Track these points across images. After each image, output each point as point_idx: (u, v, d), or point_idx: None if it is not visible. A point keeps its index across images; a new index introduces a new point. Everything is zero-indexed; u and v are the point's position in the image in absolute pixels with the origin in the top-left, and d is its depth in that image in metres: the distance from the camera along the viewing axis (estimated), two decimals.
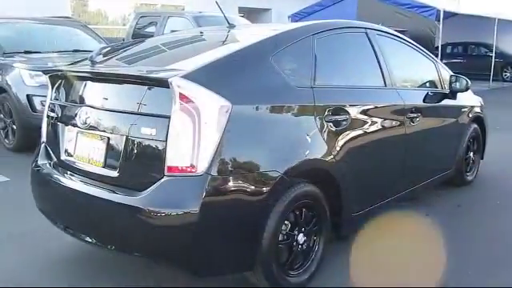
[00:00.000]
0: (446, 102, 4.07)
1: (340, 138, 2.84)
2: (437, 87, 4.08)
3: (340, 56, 3.15)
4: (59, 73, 2.92)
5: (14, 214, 3.98)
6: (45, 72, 2.99)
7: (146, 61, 2.96)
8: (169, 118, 2.22)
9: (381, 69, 3.35)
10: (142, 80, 2.37)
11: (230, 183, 2.26)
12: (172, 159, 2.22)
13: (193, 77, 2.25)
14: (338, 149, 2.80)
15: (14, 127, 6.03)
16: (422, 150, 3.74)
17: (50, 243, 3.26)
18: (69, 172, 2.72)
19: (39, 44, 6.98)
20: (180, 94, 2.20)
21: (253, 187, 2.33)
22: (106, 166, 2.50)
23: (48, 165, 2.89)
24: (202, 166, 2.19)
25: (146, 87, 2.36)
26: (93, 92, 2.67)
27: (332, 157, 2.76)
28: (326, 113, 2.77)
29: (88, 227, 2.59)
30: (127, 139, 2.38)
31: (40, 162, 2.94)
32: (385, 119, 3.25)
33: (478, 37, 17.40)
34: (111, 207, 2.37)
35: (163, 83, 2.24)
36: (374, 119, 3.14)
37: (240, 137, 2.32)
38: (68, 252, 3.16)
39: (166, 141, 2.23)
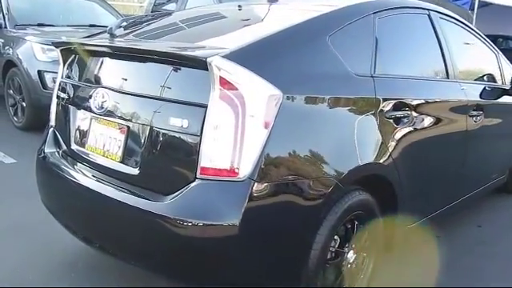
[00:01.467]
0: (505, 99, 3.59)
1: (400, 137, 2.39)
2: (496, 82, 3.59)
3: (401, 40, 2.67)
4: (72, 46, 2.49)
5: (19, 201, 3.60)
6: (56, 45, 2.56)
7: (175, 36, 2.49)
8: (205, 107, 1.79)
9: (443, 57, 2.88)
10: (173, 58, 1.93)
11: (277, 192, 1.82)
12: (207, 159, 1.79)
13: (237, 57, 1.80)
14: (396, 150, 2.35)
15: (24, 105, 5.64)
16: (480, 153, 3.28)
17: (57, 237, 2.86)
18: (80, 165, 2.31)
19: (54, 17, 6.58)
20: (221, 78, 1.76)
21: (303, 197, 1.89)
22: (124, 160, 2.08)
23: (56, 154, 2.48)
24: (244, 170, 1.75)
25: (178, 67, 1.92)
26: (111, 71, 2.23)
27: (391, 160, 2.31)
28: (388, 108, 2.31)
29: (99, 234, 2.18)
30: (151, 130, 1.95)
31: (47, 149, 2.52)
32: (447, 117, 2.79)
33: (508, 29, 16.66)
34: (129, 212, 1.95)
35: (200, 63, 1.79)
36: (436, 116, 2.68)
37: (290, 135, 1.88)
38: (75, 249, 2.77)
39: (201, 136, 1.79)
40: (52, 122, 2.61)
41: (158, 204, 1.87)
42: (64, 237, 2.60)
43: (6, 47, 5.90)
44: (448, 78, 2.89)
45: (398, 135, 2.38)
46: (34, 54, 5.49)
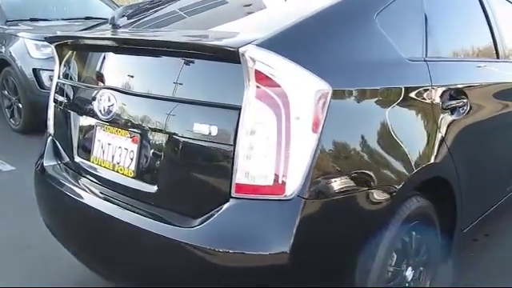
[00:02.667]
0: None
1: (457, 131, 2.03)
2: None
3: (451, 16, 2.30)
4: (69, 41, 2.13)
5: (19, 215, 3.27)
6: (50, 40, 2.20)
7: (190, 22, 2.10)
8: (238, 109, 1.43)
9: (492, 35, 2.51)
10: (195, 50, 1.56)
11: (332, 210, 1.48)
12: (243, 174, 1.44)
13: (274, 45, 1.45)
14: (455, 147, 2.00)
15: (20, 106, 5.28)
16: None
17: (60, 255, 2.52)
18: (85, 180, 1.96)
19: (46, 11, 6.20)
20: (257, 72, 1.41)
21: (362, 213, 1.55)
22: (138, 176, 1.73)
23: (57, 167, 2.14)
24: (292, 186, 1.40)
25: (200, 61, 1.56)
26: (117, 69, 1.87)
27: (450, 158, 1.97)
28: (444, 97, 1.96)
29: (108, 263, 1.84)
30: (170, 139, 1.61)
31: (46, 162, 2.18)
32: (501, 103, 2.44)
33: None
34: (146, 239, 1.61)
35: (229, 55, 1.44)
36: (492, 104, 2.33)
37: (341, 138, 1.52)
38: (79, 268, 2.44)
39: (234, 145, 1.44)
40: (50, 130, 2.26)
41: (183, 230, 1.52)
42: (68, 254, 2.28)
43: None
44: (498, 58, 2.53)
45: (456, 129, 2.02)
46: (28, 51, 5.11)
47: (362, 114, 1.59)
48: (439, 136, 1.90)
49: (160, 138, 1.65)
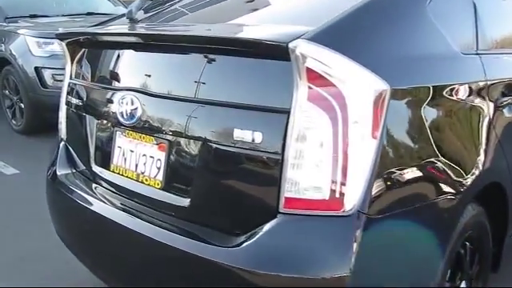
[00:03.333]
0: None
1: (510, 129, 1.87)
2: None
3: (500, 5, 2.11)
4: (82, 38, 1.94)
5: (27, 224, 3.09)
6: (61, 37, 2.01)
7: (221, 15, 1.86)
8: (287, 112, 1.25)
9: None
10: (233, 46, 1.38)
11: (396, 225, 1.30)
12: (293, 186, 1.26)
13: (327, 40, 1.26)
14: (508, 148, 1.83)
15: (22, 106, 5.09)
16: None
17: (73, 267, 2.35)
18: (104, 191, 1.79)
19: (47, 7, 5.99)
20: (309, 70, 1.22)
21: (426, 226, 1.38)
22: (167, 187, 1.55)
23: (72, 176, 1.96)
24: (351, 199, 1.22)
25: (240, 58, 1.38)
26: (141, 68, 1.68)
27: (505, 162, 1.80)
28: (498, 93, 1.78)
29: (133, 284, 1.66)
30: (205, 147, 1.42)
31: (60, 170, 2.00)
32: None
33: None
34: (177, 259, 1.43)
35: (275, 50, 1.26)
36: None
37: (402, 143, 1.35)
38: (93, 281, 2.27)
39: (283, 153, 1.26)
40: (63, 135, 2.08)
41: (222, 249, 1.35)
42: (81, 266, 2.10)
43: None
44: None
45: (508, 126, 1.85)
46: (29, 48, 4.91)
47: (420, 116, 1.41)
48: (495, 137, 1.72)
49: (192, 146, 1.47)
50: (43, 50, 4.88)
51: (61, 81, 4.85)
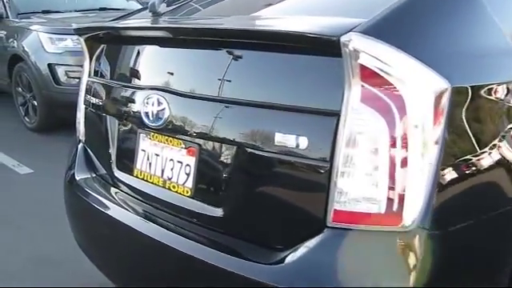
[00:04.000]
0: None
1: None
2: None
3: None
4: (102, 33, 1.82)
5: (42, 225, 3.00)
6: (79, 33, 1.88)
7: (260, 4, 1.67)
8: (336, 115, 1.11)
9: None
10: (274, 40, 1.24)
11: (461, 241, 1.16)
12: (343, 198, 1.12)
13: (381, 33, 1.12)
14: None
15: (35, 103, 5.00)
16: None
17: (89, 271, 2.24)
18: (127, 197, 1.66)
19: (59, 2, 5.91)
20: (362, 67, 1.08)
21: (493, 241, 1.23)
22: (197, 195, 1.42)
23: (91, 181, 1.84)
24: (410, 213, 1.08)
25: (281, 54, 1.24)
26: (167, 65, 1.54)
27: None
28: None
29: None
30: (241, 152, 1.29)
31: (79, 174, 1.88)
32: None
33: None
34: (210, 277, 1.31)
35: (324, 45, 1.12)
36: None
37: (465, 148, 1.20)
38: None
39: (331, 160, 1.12)
40: (81, 136, 1.96)
41: (261, 266, 1.21)
42: (97, 271, 1.99)
43: (10, 40, 5.24)
44: None
45: None
46: (43, 45, 4.83)
47: (484, 117, 1.26)
48: None
49: (226, 151, 1.34)
50: (56, 47, 4.79)
51: (74, 78, 4.83)
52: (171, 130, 1.46)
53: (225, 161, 1.35)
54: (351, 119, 1.10)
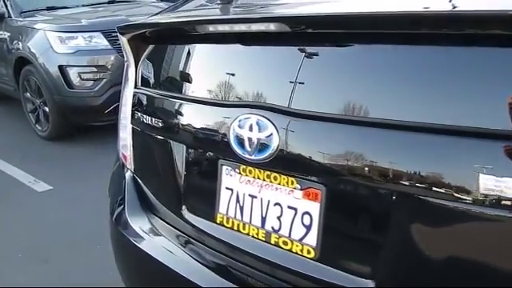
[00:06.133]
0: None
1: None
2: None
3: None
4: (152, 29, 1.38)
5: (71, 256, 2.60)
6: (122, 31, 1.43)
7: None
8: None
9: None
10: (467, 27, 0.80)
11: None
12: None
13: None
14: None
15: (47, 109, 4.57)
16: None
17: None
18: (204, 250, 1.23)
19: None
20: None
21: None
22: (326, 258, 0.98)
23: (149, 224, 1.41)
24: None
25: (472, 49, 0.80)
26: (269, 71, 1.09)
27: None
28: None
29: None
30: (406, 201, 0.85)
31: (130, 215, 1.45)
32: None
33: None
34: None
35: None
36: None
37: None
38: None
39: None
40: (129, 164, 1.52)
41: None
42: None
43: (15, 41, 4.79)
44: None
45: None
46: (51, 45, 4.37)
47: None
48: None
49: (377, 197, 0.91)
50: (67, 46, 4.34)
51: (88, 79, 4.38)
52: (278, 164, 1.02)
53: (376, 212, 0.92)
54: None
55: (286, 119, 0.99)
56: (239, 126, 1.06)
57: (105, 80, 4.29)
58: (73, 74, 4.34)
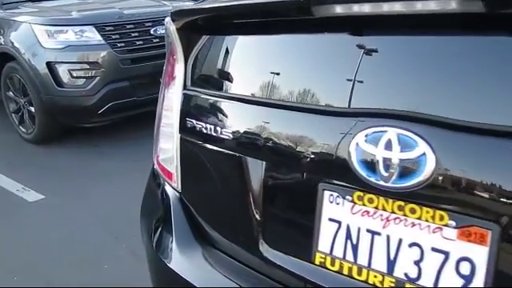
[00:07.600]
0: None
1: None
2: None
3: None
4: (203, 16, 1.10)
5: (74, 273, 2.29)
6: (175, 17, 1.14)
7: None
8: None
9: None
10: None
11: None
12: None
13: None
14: None
15: (32, 110, 4.19)
16: None
17: None
18: None
19: None
20: None
21: None
22: None
23: (205, 259, 1.13)
24: None
25: None
26: (403, 70, 0.82)
27: None
28: None
29: None
30: None
31: (180, 246, 1.16)
32: None
33: None
34: None
35: None
36: None
37: None
38: None
39: None
40: (175, 183, 1.23)
41: None
42: None
43: None
44: None
45: None
46: (38, 40, 3.99)
47: None
48: None
49: None
50: (55, 41, 3.97)
51: (79, 77, 4.02)
52: (428, 195, 0.76)
53: None
54: None
55: (444, 134, 0.72)
56: (367, 142, 0.79)
57: (98, 78, 3.95)
58: (62, 71, 3.97)
